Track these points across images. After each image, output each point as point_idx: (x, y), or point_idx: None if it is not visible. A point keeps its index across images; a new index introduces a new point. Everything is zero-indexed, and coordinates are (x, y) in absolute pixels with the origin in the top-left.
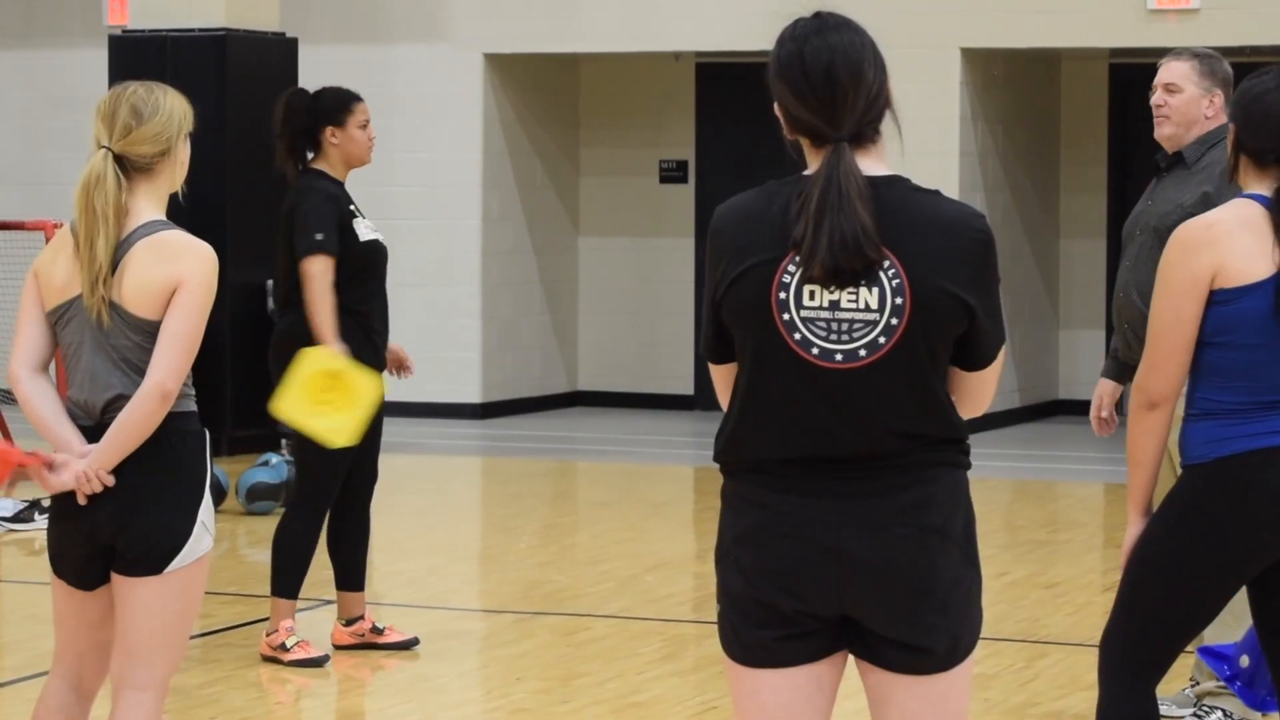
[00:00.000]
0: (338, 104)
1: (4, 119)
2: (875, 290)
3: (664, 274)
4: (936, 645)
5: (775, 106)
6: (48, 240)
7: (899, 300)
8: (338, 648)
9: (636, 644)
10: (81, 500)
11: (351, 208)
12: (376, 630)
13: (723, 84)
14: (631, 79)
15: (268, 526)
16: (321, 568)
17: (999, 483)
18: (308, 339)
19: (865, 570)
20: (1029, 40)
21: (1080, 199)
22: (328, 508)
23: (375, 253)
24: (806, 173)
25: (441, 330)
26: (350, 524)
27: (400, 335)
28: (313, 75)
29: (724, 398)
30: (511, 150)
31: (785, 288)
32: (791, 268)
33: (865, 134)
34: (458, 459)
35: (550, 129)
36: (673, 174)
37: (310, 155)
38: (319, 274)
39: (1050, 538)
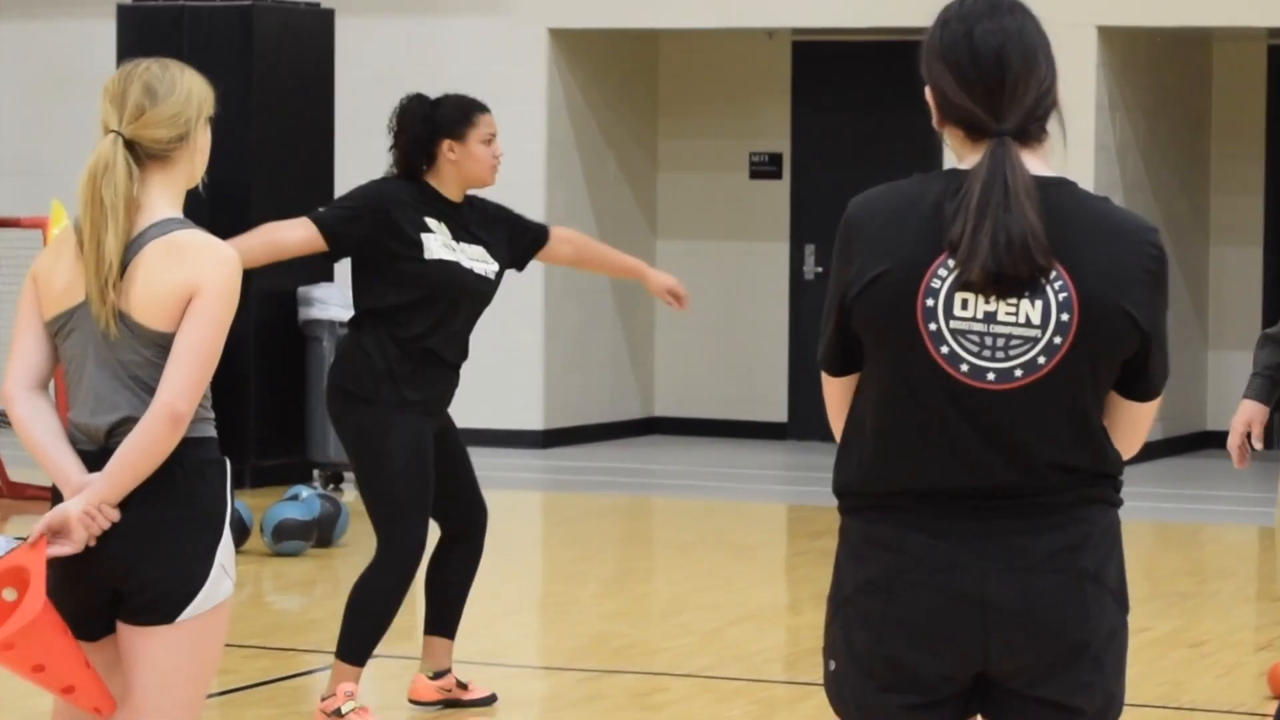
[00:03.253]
0: (459, 114)
1: None
2: (1039, 303)
3: (754, 283)
4: (1089, 705)
5: (927, 91)
6: (46, 239)
7: (1065, 316)
8: (415, 703)
9: (721, 707)
10: (90, 541)
11: (427, 219)
12: (461, 685)
13: (823, 66)
14: (718, 60)
15: (296, 570)
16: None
17: (1138, 525)
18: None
19: (1013, 621)
20: (1176, 18)
21: (1234, 200)
22: (418, 559)
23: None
24: (962, 166)
25: (498, 348)
26: (458, 558)
27: None
28: (352, 52)
29: (837, 417)
30: (580, 141)
31: (934, 294)
32: (943, 271)
33: (1031, 131)
34: (515, 494)
35: (625, 117)
36: (765, 168)
37: (425, 168)
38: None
39: (1196, 589)
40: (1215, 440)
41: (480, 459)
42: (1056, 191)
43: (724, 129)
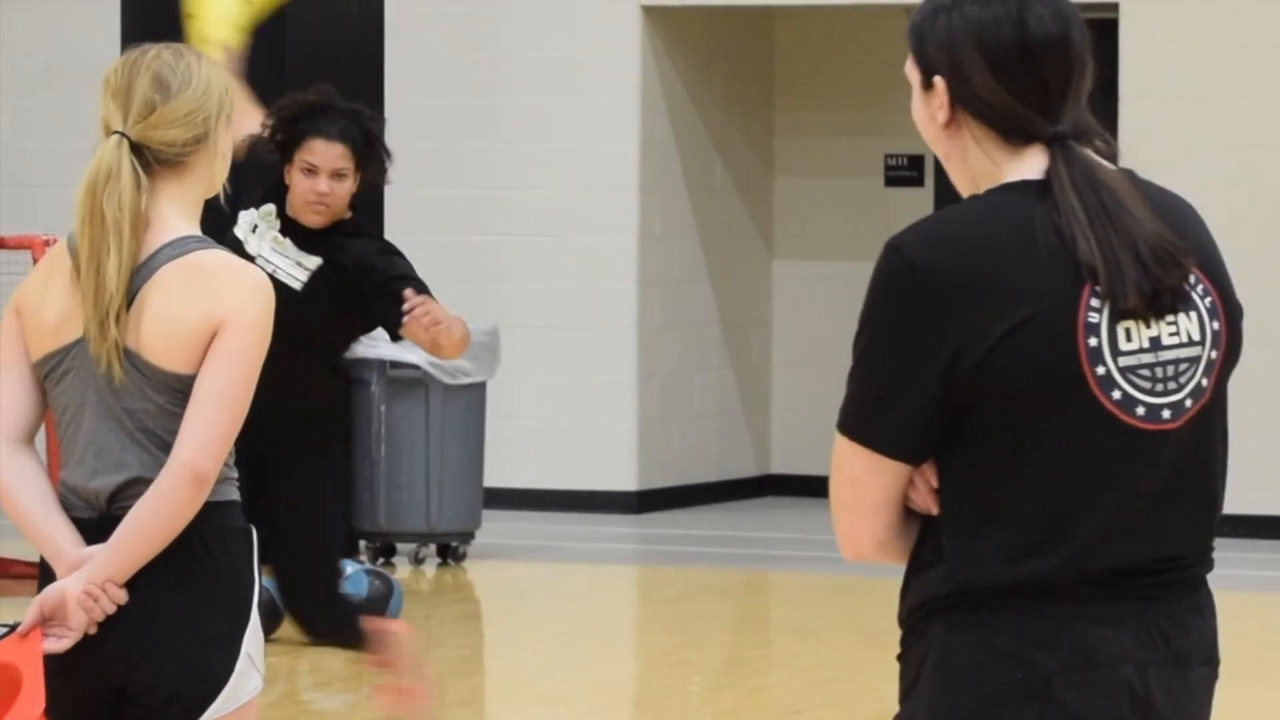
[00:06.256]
0: (288, 129)
1: None
2: (1194, 315)
3: None
4: None
5: (936, 81)
6: (36, 262)
7: (1215, 325)
8: None
9: None
10: (90, 628)
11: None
12: None
13: None
14: (846, 43)
15: (338, 661)
16: None
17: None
18: None
19: None
20: None
21: None
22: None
23: None
24: (1025, 177)
25: (584, 391)
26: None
27: (528, 396)
28: (403, 32)
29: (878, 513)
30: (680, 140)
31: (1094, 330)
32: (1095, 302)
33: (1081, 131)
34: (605, 568)
35: (734, 110)
36: (903, 173)
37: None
38: None
39: None
40: None
41: (562, 526)
42: (1138, 182)
43: (853, 126)
